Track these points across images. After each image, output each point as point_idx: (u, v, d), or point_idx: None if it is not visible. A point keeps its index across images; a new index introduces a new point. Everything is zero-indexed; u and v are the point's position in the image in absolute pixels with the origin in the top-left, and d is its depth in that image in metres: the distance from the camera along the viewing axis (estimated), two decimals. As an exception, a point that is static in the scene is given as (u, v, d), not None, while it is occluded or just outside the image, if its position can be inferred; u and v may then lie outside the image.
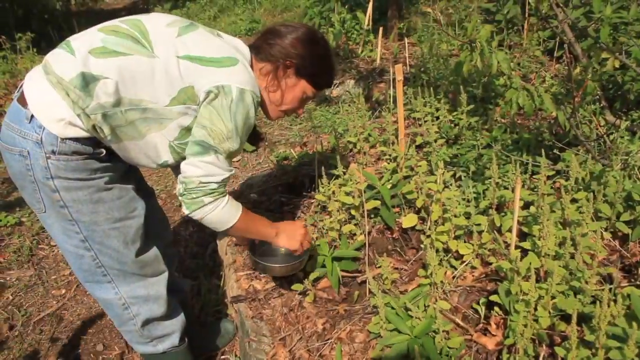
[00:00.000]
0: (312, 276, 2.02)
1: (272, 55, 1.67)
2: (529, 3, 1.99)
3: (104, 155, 1.56)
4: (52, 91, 1.43)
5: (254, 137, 1.95)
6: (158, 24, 1.56)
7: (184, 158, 1.63)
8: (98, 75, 1.43)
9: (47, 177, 1.47)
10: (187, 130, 1.59)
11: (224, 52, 1.54)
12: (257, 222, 1.82)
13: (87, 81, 1.42)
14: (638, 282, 1.69)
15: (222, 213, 1.61)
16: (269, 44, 1.68)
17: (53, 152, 1.45)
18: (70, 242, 1.60)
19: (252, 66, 1.68)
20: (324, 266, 2.04)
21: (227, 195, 1.64)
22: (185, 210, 1.58)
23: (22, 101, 1.47)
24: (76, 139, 1.47)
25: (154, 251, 1.78)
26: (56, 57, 1.48)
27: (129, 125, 1.52)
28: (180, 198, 1.58)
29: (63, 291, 2.84)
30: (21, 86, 1.51)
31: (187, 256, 2.92)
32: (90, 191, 1.54)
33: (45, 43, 8.79)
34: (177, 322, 1.90)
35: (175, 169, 1.83)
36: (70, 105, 1.43)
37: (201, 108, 1.51)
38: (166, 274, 1.83)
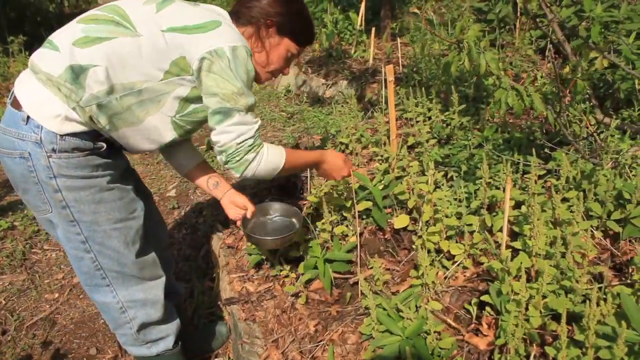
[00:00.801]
0: (305, 278, 2.03)
1: (252, 17, 1.68)
2: (518, 2, 1.99)
3: (104, 150, 1.57)
4: (44, 89, 1.45)
5: None
6: (135, 4, 1.56)
7: (188, 132, 1.70)
8: (86, 65, 1.43)
9: (49, 176, 1.48)
10: (185, 101, 1.59)
11: (205, 17, 1.54)
12: (301, 157, 1.88)
13: (77, 73, 1.43)
14: (628, 281, 1.69)
15: (269, 162, 1.67)
16: (248, 7, 1.69)
17: (54, 150, 1.45)
18: (70, 245, 1.61)
19: None
20: (316, 268, 2.04)
21: (265, 144, 1.67)
22: (236, 174, 1.62)
23: (16, 104, 1.48)
24: (75, 134, 1.48)
25: (152, 254, 1.79)
26: (41, 56, 1.49)
27: (126, 111, 1.52)
28: (226, 167, 1.62)
29: (56, 295, 2.83)
30: (12, 91, 1.52)
31: (180, 258, 2.92)
32: (92, 191, 1.55)
33: (38, 45, 8.76)
34: (173, 326, 1.90)
35: (170, 148, 1.89)
36: (64, 100, 1.44)
37: (203, 78, 1.51)
38: (164, 279, 1.83)
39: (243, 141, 1.58)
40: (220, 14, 1.65)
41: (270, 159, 1.67)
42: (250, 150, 1.60)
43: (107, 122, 1.51)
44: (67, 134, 1.46)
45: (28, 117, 1.44)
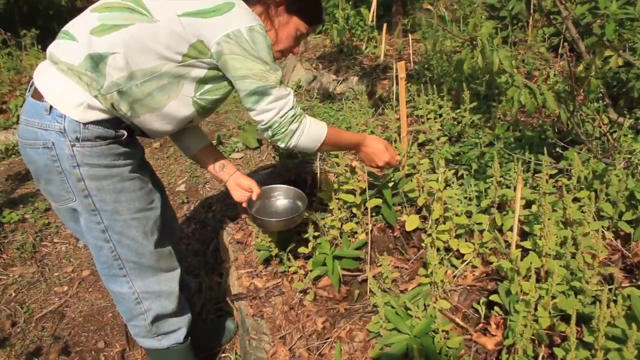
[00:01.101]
0: (313, 274, 2.02)
1: None
2: None
3: (125, 139, 1.60)
4: (65, 78, 1.47)
5: None
6: None
7: (207, 110, 1.72)
8: (105, 53, 1.45)
9: (73, 165, 1.50)
10: (202, 82, 1.62)
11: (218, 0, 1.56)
12: (343, 135, 1.89)
13: (96, 62, 1.45)
14: (639, 283, 1.68)
15: (311, 132, 1.70)
16: None
17: (77, 139, 1.48)
18: (90, 234, 1.63)
19: None
20: (324, 264, 2.04)
21: (307, 115, 1.71)
22: (282, 145, 1.66)
23: (37, 96, 1.50)
24: (97, 122, 1.51)
25: (169, 245, 1.82)
26: (59, 47, 1.52)
27: (147, 97, 1.55)
28: (273, 140, 1.66)
29: (65, 288, 2.85)
30: (32, 84, 1.55)
31: (189, 253, 2.93)
32: (114, 180, 1.58)
33: (50, 39, 8.80)
34: (185, 319, 1.92)
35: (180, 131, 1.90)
36: (86, 89, 1.47)
37: (227, 61, 1.53)
38: (179, 271, 1.85)
39: (285, 114, 1.62)
40: None
41: (313, 129, 1.70)
42: (293, 120, 1.64)
43: (128, 108, 1.54)
44: (90, 122, 1.49)
45: (51, 107, 1.46)
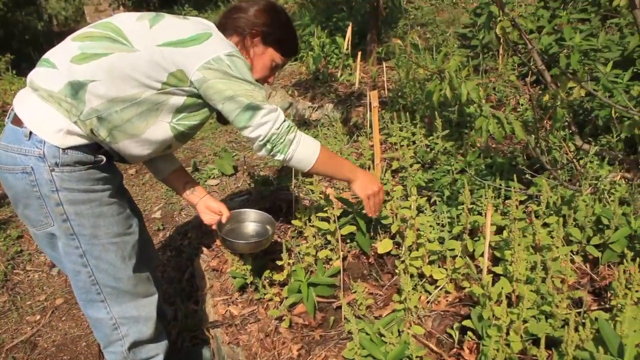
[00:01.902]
0: (288, 302, 2.03)
1: (238, 27, 1.76)
2: (497, 33, 2.04)
3: (103, 164, 1.63)
4: (45, 105, 1.50)
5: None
6: (127, 20, 1.61)
7: (185, 136, 1.75)
8: (85, 81, 1.49)
9: (52, 189, 1.52)
10: (180, 109, 1.64)
11: (197, 29, 1.59)
12: (337, 158, 1.92)
13: (76, 89, 1.49)
14: (607, 306, 1.72)
15: (306, 144, 1.73)
16: (234, 19, 1.77)
17: (56, 164, 1.51)
18: (68, 259, 1.64)
19: None
20: (300, 292, 2.05)
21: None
22: (280, 157, 1.69)
23: (17, 122, 1.53)
24: (76, 148, 1.54)
25: (146, 271, 1.84)
26: (39, 74, 1.55)
27: (127, 123, 1.57)
28: (272, 153, 1.68)
29: (38, 317, 2.80)
30: (11, 110, 1.57)
31: (165, 281, 2.90)
32: (92, 205, 1.60)
33: (25, 64, 8.77)
34: (162, 346, 1.92)
35: (155, 160, 1.95)
36: (65, 115, 1.50)
37: (211, 85, 1.56)
38: (157, 296, 1.86)
39: (280, 124, 1.65)
40: (209, 25, 1.71)
41: (307, 140, 1.74)
42: (289, 130, 1.68)
43: (107, 134, 1.57)
44: (69, 148, 1.52)
45: (31, 132, 1.49)
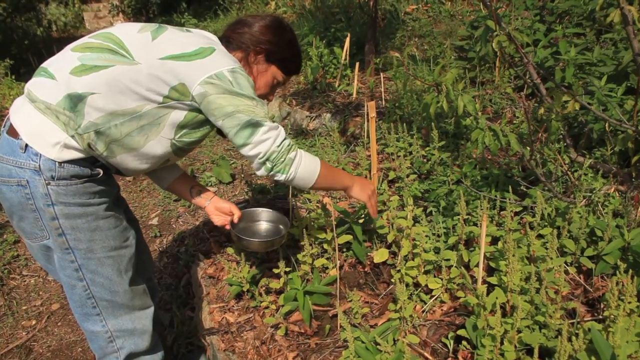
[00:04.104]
0: (284, 310, 2.04)
1: (242, 42, 1.74)
2: (494, 47, 2.08)
3: (101, 177, 1.61)
4: (42, 117, 1.48)
5: None
6: (129, 32, 1.59)
7: (184, 151, 1.74)
8: (84, 93, 1.47)
9: (47, 203, 1.51)
10: (181, 127, 1.63)
11: (199, 43, 1.57)
12: (335, 171, 1.88)
13: (75, 102, 1.47)
14: (600, 317, 1.74)
15: (307, 162, 1.70)
16: (238, 33, 1.75)
17: (52, 178, 1.49)
18: (63, 272, 1.62)
19: None
20: (296, 300, 2.06)
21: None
22: (282, 177, 1.65)
23: (13, 133, 1.51)
24: (73, 161, 1.52)
25: (142, 283, 1.82)
26: (37, 85, 1.52)
27: (126, 137, 1.55)
28: (272, 173, 1.64)
29: (33, 322, 2.80)
30: (7, 119, 1.55)
31: (161, 287, 2.91)
32: (89, 219, 1.58)
33: (24, 69, 8.79)
34: (157, 357, 1.90)
35: (157, 171, 1.94)
36: (63, 128, 1.48)
37: (212, 101, 1.54)
38: (152, 309, 1.84)
39: (281, 142, 1.62)
40: (212, 40, 1.69)
41: (309, 158, 1.71)
42: (290, 149, 1.64)
43: (105, 148, 1.55)
44: (66, 161, 1.50)
45: (26, 145, 1.47)
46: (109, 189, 1.68)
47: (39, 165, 1.47)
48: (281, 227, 2.19)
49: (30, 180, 1.48)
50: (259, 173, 1.67)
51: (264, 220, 2.26)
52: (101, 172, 1.62)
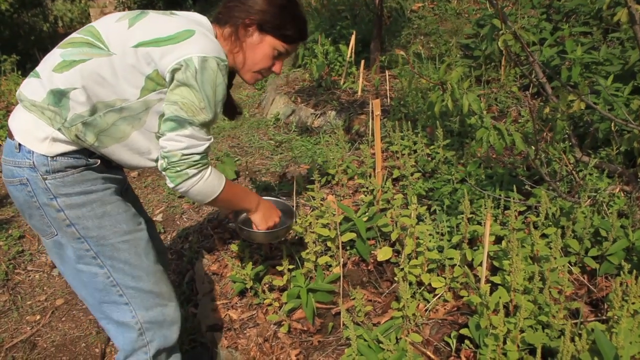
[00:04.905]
0: (287, 307, 2.04)
1: (232, 17, 1.64)
2: (500, 46, 2.06)
3: (99, 165, 1.59)
4: (29, 115, 1.49)
5: (231, 110, 1.93)
6: (107, 22, 1.56)
7: None
8: (66, 89, 1.46)
9: (50, 197, 1.50)
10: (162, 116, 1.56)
11: (178, 27, 1.49)
12: (239, 195, 1.81)
13: (58, 97, 1.47)
14: (604, 317, 1.73)
15: (207, 184, 1.58)
16: (229, 7, 1.66)
17: (47, 172, 1.49)
18: (83, 261, 1.58)
19: (216, 36, 1.64)
20: (299, 297, 2.06)
21: (210, 167, 1.60)
22: (170, 184, 1.54)
23: (10, 134, 1.54)
24: (65, 154, 1.51)
25: (162, 267, 1.75)
26: (25, 85, 1.54)
27: (112, 127, 1.53)
28: (163, 173, 1.54)
29: (38, 317, 2.81)
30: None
31: (165, 284, 2.92)
32: (93, 207, 1.56)
33: (30, 65, 8.82)
34: (179, 356, 1.85)
35: None
36: (48, 123, 1.48)
37: (172, 87, 1.48)
38: (176, 301, 1.78)
39: (190, 154, 1.51)
40: (198, 22, 1.61)
41: (209, 183, 1.59)
42: (194, 165, 1.53)
43: (94, 139, 1.53)
44: (58, 155, 1.50)
45: (19, 144, 1.49)
46: (112, 175, 1.66)
47: (33, 161, 1.48)
48: (287, 217, 2.13)
49: (29, 177, 1.49)
50: (158, 163, 1.58)
51: None
52: (98, 161, 1.59)
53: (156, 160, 1.65)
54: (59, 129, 1.49)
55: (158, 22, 1.53)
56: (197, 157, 1.53)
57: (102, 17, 1.62)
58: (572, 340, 1.44)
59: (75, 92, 1.47)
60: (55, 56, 1.51)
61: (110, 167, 1.67)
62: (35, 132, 1.48)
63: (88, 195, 1.55)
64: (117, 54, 1.47)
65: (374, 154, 2.63)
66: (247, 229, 1.96)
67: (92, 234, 1.56)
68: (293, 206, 2.47)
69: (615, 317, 1.48)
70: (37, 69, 1.55)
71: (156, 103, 1.54)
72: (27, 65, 8.17)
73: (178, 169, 1.51)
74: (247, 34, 1.65)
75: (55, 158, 1.49)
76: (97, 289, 1.62)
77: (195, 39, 1.48)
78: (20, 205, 1.57)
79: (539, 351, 1.38)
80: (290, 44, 1.72)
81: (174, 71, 1.45)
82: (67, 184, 1.52)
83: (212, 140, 1.59)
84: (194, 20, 1.61)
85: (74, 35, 1.56)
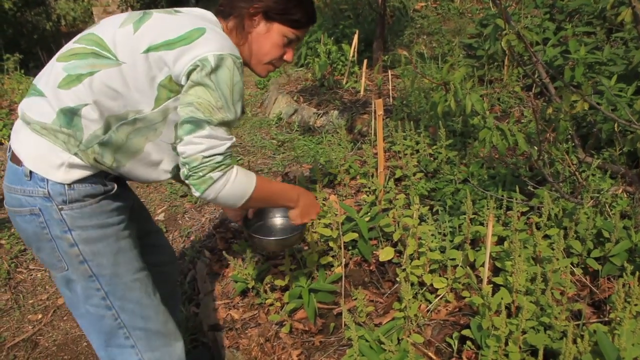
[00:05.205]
0: (289, 307, 2.04)
1: (235, 7, 1.53)
2: (502, 46, 2.06)
3: (116, 191, 1.49)
4: (40, 139, 1.37)
5: None
6: (110, 28, 1.42)
7: None
8: (76, 107, 1.35)
9: (64, 230, 1.39)
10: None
11: (188, 25, 1.39)
12: (275, 190, 1.67)
13: (70, 117, 1.35)
14: (606, 319, 1.73)
15: (235, 186, 1.44)
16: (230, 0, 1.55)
17: (64, 202, 1.38)
18: (90, 302, 1.47)
19: (223, 30, 1.52)
20: (301, 297, 2.06)
21: (236, 166, 1.46)
22: (196, 193, 1.40)
23: (16, 160, 1.40)
24: (83, 180, 1.40)
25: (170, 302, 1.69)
26: (29, 105, 1.41)
27: (127, 142, 1.42)
28: (187, 181, 1.41)
29: (39, 316, 2.82)
30: (9, 145, 1.45)
31: (167, 283, 2.92)
32: (109, 242, 1.46)
33: (33, 63, 8.84)
34: None
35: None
36: (64, 147, 1.36)
37: (187, 88, 1.37)
38: (182, 340, 1.69)
39: (211, 155, 1.38)
40: (204, 17, 1.52)
41: (237, 184, 1.44)
42: (217, 167, 1.39)
43: (112, 160, 1.42)
44: (75, 182, 1.38)
45: (31, 172, 1.36)
46: (125, 203, 1.55)
47: (48, 190, 1.36)
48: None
49: (42, 208, 1.38)
50: (182, 177, 1.44)
51: (280, 215, 2.07)
52: (115, 186, 1.49)
53: (171, 171, 1.57)
54: (75, 154, 1.37)
55: (164, 22, 1.42)
56: (220, 157, 1.40)
57: (100, 22, 1.50)
58: (574, 341, 1.43)
59: (87, 108, 1.35)
60: (57, 70, 1.38)
61: (123, 191, 1.56)
62: (50, 158, 1.36)
63: (105, 229, 1.45)
64: (126, 63, 1.36)
65: (376, 153, 2.63)
66: (258, 237, 1.85)
67: (105, 272, 1.46)
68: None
69: (618, 318, 1.48)
70: (39, 85, 1.41)
71: (172, 111, 1.44)
72: (30, 64, 8.18)
73: (201, 173, 1.38)
74: (253, 24, 1.54)
75: (72, 186, 1.38)
76: (103, 332, 1.53)
77: (208, 36, 1.38)
78: (28, 237, 1.45)
79: (541, 352, 1.38)
80: (299, 29, 1.60)
81: (189, 73, 1.36)
82: (84, 215, 1.41)
83: (234, 140, 1.47)
84: (200, 16, 1.52)
85: (74, 45, 1.42)
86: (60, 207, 1.38)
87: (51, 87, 1.37)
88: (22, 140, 1.40)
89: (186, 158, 1.38)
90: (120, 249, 1.48)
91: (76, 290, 1.48)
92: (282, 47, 1.60)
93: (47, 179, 1.36)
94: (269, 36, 1.56)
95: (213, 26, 1.45)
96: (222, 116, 1.39)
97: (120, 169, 1.47)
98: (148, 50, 1.36)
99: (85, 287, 1.46)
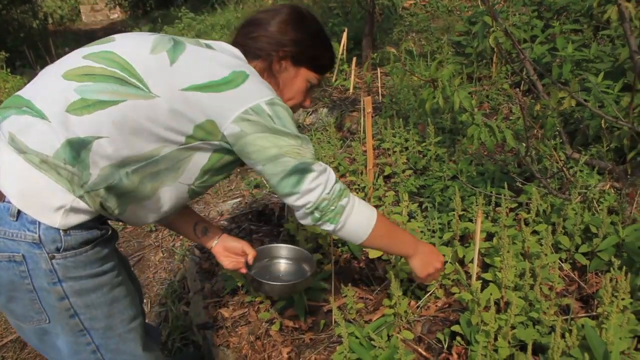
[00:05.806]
0: (279, 305, 2.04)
1: (260, 49, 1.44)
2: (490, 44, 2.07)
3: (109, 235, 1.34)
4: (38, 174, 1.16)
5: None
6: (139, 52, 1.26)
7: (199, 194, 1.47)
8: (88, 138, 1.16)
9: (53, 281, 1.21)
10: (204, 172, 1.36)
11: (228, 67, 1.28)
12: (395, 227, 1.62)
13: (77, 149, 1.16)
14: (594, 313, 1.74)
15: (361, 209, 1.43)
16: (253, 39, 1.45)
17: (58, 250, 1.19)
18: (77, 357, 1.32)
19: None
20: (291, 295, 2.06)
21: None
22: (331, 227, 1.38)
23: None
24: (80, 226, 1.22)
25: (157, 348, 1.56)
26: (23, 127, 1.17)
27: (139, 186, 1.27)
28: (320, 223, 1.38)
29: (28, 317, 2.80)
30: None
31: (156, 282, 2.91)
32: (104, 291, 1.30)
33: (20, 62, 8.76)
34: None
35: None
36: (68, 187, 1.17)
37: (250, 141, 1.27)
38: None
39: (331, 188, 1.35)
40: (238, 57, 1.41)
41: (362, 209, 1.43)
42: (342, 194, 1.37)
43: (117, 205, 1.27)
44: (72, 227, 1.20)
45: (19, 211, 1.16)
46: (114, 244, 1.41)
47: (39, 236, 1.16)
48: (305, 266, 1.92)
49: (27, 255, 1.17)
50: (303, 222, 1.40)
51: (284, 257, 1.97)
52: (109, 229, 1.34)
53: (166, 217, 1.48)
54: (80, 196, 1.19)
55: (204, 59, 1.30)
56: (338, 186, 1.38)
57: (115, 38, 1.33)
58: (563, 336, 1.44)
59: (101, 141, 1.17)
60: (66, 91, 1.19)
61: (112, 234, 1.39)
62: (47, 199, 1.16)
63: (99, 277, 1.29)
64: (161, 97, 1.21)
65: (365, 151, 2.63)
66: (265, 282, 1.73)
67: (98, 325, 1.31)
68: (285, 206, 2.46)
69: (605, 313, 1.49)
70: (36, 104, 1.19)
71: (198, 152, 1.31)
72: (16, 63, 8.11)
73: (332, 208, 1.35)
74: (281, 69, 1.47)
75: (68, 232, 1.19)
76: None
77: (252, 81, 1.29)
78: (0, 285, 1.22)
79: (529, 347, 1.38)
80: (322, 75, 1.56)
81: (240, 123, 1.25)
82: (78, 264, 1.23)
83: (327, 166, 1.40)
84: (234, 55, 1.40)
85: (88, 63, 1.23)
86: (51, 255, 1.19)
87: (58, 111, 1.17)
88: (7, 171, 1.17)
89: (313, 206, 1.33)
90: (114, 298, 1.33)
91: (58, 346, 1.31)
92: (305, 93, 1.55)
93: (39, 222, 1.17)
94: (295, 81, 1.50)
95: (251, 68, 1.36)
96: (309, 150, 1.34)
97: (121, 215, 1.32)
98: (189, 89, 1.23)
99: (72, 342, 1.30)
